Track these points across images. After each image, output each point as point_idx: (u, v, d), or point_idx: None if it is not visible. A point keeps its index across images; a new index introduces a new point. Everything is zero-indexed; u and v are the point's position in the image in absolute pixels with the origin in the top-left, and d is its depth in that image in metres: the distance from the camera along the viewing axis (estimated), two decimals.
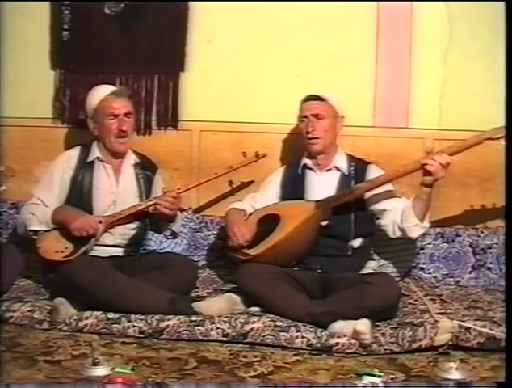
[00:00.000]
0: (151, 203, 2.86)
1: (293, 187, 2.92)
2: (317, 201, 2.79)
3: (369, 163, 2.93)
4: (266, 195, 2.97)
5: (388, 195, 2.81)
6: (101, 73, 3.30)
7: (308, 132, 2.87)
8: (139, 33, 3.34)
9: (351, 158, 2.94)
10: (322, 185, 2.88)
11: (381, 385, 2.07)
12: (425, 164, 2.59)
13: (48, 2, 3.39)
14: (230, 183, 3.27)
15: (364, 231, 2.85)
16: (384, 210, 2.78)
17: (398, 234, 2.74)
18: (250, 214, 2.90)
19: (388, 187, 2.82)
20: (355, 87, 3.24)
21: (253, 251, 2.78)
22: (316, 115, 2.86)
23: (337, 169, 2.91)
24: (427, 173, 2.60)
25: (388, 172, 2.77)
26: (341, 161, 2.92)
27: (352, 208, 2.81)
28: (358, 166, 2.91)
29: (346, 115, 2.97)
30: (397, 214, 2.73)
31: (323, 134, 2.86)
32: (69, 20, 3.37)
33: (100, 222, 2.79)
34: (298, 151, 3.00)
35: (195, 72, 3.35)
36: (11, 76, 3.31)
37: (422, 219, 2.68)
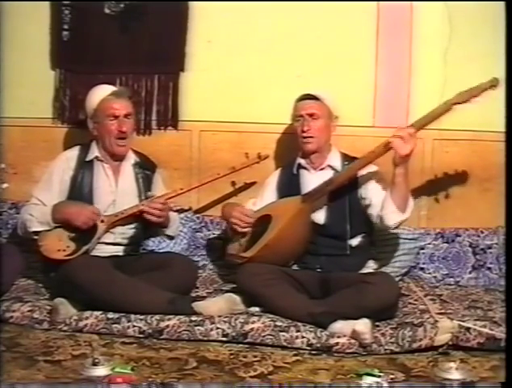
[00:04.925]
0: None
1: (289, 188, 2.93)
2: (303, 195, 2.80)
3: None
4: (265, 198, 2.97)
5: (375, 178, 2.80)
6: (101, 73, 3.29)
7: (303, 131, 2.87)
8: (139, 33, 3.34)
9: (345, 157, 2.94)
10: (317, 184, 2.88)
11: (385, 385, 2.07)
12: (390, 142, 2.62)
13: (48, 2, 3.38)
14: (233, 183, 3.27)
15: (361, 230, 2.85)
16: (371, 201, 2.78)
17: (378, 221, 2.73)
18: None
19: (372, 168, 2.83)
20: (355, 87, 3.24)
21: (248, 254, 2.78)
22: (311, 115, 2.86)
23: (331, 168, 2.91)
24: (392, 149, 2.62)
25: (363, 155, 2.78)
26: (334, 160, 2.93)
27: (347, 206, 2.81)
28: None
29: (346, 116, 2.98)
30: (379, 201, 2.71)
31: (318, 133, 2.86)
32: (69, 20, 3.37)
33: (102, 222, 2.80)
34: (298, 151, 3.00)
35: (195, 72, 3.35)
36: (11, 76, 3.31)
37: (401, 206, 2.65)
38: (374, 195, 2.77)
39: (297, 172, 2.95)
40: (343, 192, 2.82)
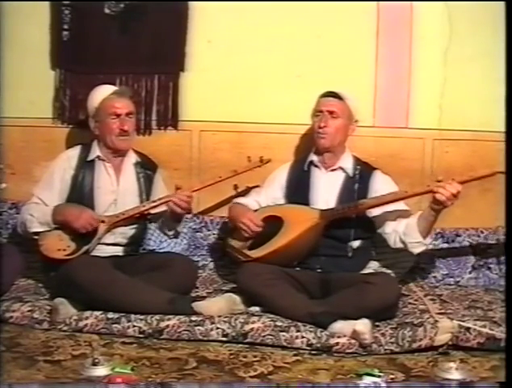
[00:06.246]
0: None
1: (298, 185, 2.91)
2: (322, 210, 2.77)
3: (375, 169, 2.92)
4: (271, 190, 2.95)
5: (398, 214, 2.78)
6: (101, 73, 3.29)
7: (319, 127, 2.85)
8: (139, 33, 3.33)
9: (358, 161, 2.94)
10: (326, 185, 2.88)
11: (384, 385, 2.07)
12: (436, 192, 2.57)
13: (48, 2, 3.38)
14: (235, 186, 3.24)
15: (364, 233, 2.84)
16: (386, 219, 2.77)
17: (399, 245, 2.74)
18: (254, 211, 2.88)
19: (400, 206, 2.78)
20: (355, 87, 3.22)
21: (254, 253, 2.77)
22: (331, 113, 2.85)
23: (343, 170, 2.90)
24: (437, 201, 2.58)
25: (397, 191, 2.76)
26: (347, 162, 2.91)
27: None
28: (364, 170, 2.90)
29: None
30: (400, 225, 2.72)
31: (334, 132, 2.84)
32: (69, 20, 3.36)
33: (103, 222, 2.79)
34: (298, 151, 3.00)
35: (195, 72, 3.35)
36: (11, 76, 3.31)
37: (425, 236, 2.69)
38: (390, 215, 2.76)
39: (308, 169, 2.93)
40: (350, 197, 2.81)
